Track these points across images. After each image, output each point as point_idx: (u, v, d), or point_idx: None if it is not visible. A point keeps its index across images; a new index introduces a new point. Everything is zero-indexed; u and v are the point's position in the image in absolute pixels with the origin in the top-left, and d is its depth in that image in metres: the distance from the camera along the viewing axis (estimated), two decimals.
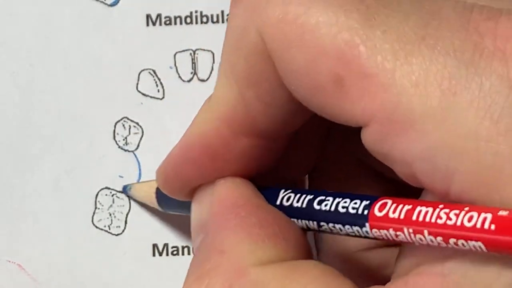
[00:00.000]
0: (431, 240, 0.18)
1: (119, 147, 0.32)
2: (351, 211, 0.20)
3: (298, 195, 0.22)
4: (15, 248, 0.31)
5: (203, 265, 0.21)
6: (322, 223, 0.22)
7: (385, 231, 0.19)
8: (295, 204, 0.22)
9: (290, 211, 0.22)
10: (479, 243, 0.17)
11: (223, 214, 0.22)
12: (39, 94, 0.32)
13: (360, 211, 0.20)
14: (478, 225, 0.17)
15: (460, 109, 0.18)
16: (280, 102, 0.22)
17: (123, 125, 0.32)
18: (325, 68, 0.19)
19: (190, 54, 0.32)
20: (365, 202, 0.20)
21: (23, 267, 0.31)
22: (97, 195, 0.32)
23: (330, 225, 0.21)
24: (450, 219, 0.18)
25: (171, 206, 0.28)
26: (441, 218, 0.18)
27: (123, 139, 0.32)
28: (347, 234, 0.21)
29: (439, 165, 0.18)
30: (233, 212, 0.22)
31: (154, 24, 0.32)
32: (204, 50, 0.32)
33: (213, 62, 0.32)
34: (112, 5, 0.32)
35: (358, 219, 0.20)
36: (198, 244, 0.23)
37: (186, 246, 0.32)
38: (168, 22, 0.32)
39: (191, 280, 0.22)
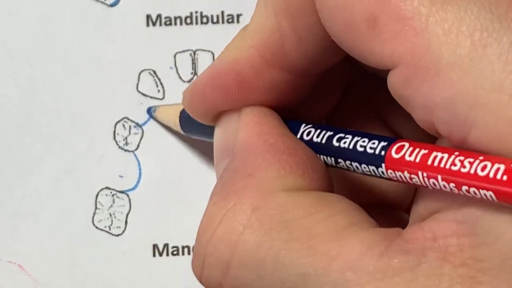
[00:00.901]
0: (444, 186, 0.19)
1: (119, 147, 0.32)
2: (369, 150, 0.21)
3: (319, 131, 0.23)
4: (15, 249, 0.31)
5: (230, 186, 0.22)
6: (339, 160, 0.22)
7: (400, 173, 0.20)
8: (314, 139, 0.23)
9: (309, 146, 0.23)
10: (490, 193, 0.18)
11: (251, 140, 0.22)
12: (39, 94, 0.32)
13: (377, 152, 0.21)
14: (491, 175, 0.18)
15: (488, 61, 0.18)
16: (314, 39, 0.22)
17: (123, 125, 0.32)
18: (362, 7, 0.20)
19: (190, 54, 0.32)
20: (383, 143, 0.21)
21: (24, 267, 0.31)
22: (97, 195, 0.32)
23: (347, 162, 0.22)
24: (464, 166, 0.18)
25: (194, 130, 0.28)
26: (455, 165, 0.18)
27: (123, 139, 0.32)
28: (363, 173, 0.21)
29: (459, 114, 0.18)
30: (261, 138, 0.22)
31: (154, 24, 0.32)
32: (204, 50, 0.32)
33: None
34: (112, 5, 0.32)
35: (374, 159, 0.21)
36: (224, 168, 0.23)
37: (186, 246, 0.32)
38: (168, 22, 0.32)
39: (216, 199, 0.22)
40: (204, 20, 0.32)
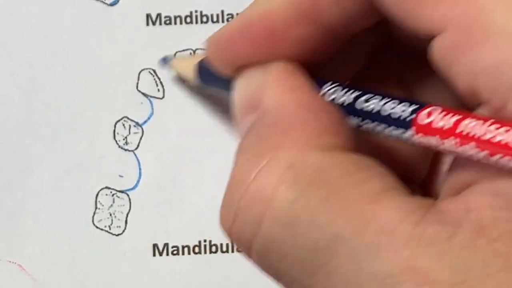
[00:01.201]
0: (477, 153, 0.18)
1: (119, 146, 0.32)
2: (398, 112, 0.20)
3: (345, 90, 0.22)
4: (15, 249, 0.31)
5: (264, 142, 0.21)
6: (366, 120, 0.21)
7: (429, 138, 0.19)
8: (341, 99, 0.22)
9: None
10: None
11: (283, 96, 0.22)
12: (39, 94, 0.32)
13: (407, 114, 0.20)
14: None
15: None
16: None
17: (123, 125, 0.32)
18: None
19: (190, 53, 0.32)
20: (414, 106, 0.20)
21: (24, 267, 0.31)
22: (97, 195, 0.32)
23: (374, 124, 0.21)
24: (500, 134, 0.18)
25: (211, 81, 0.27)
26: (490, 132, 0.18)
27: (123, 139, 0.32)
28: (387, 136, 0.21)
29: (503, 81, 0.18)
30: (294, 96, 0.22)
31: (154, 23, 0.32)
32: (204, 49, 0.32)
33: None
34: (112, 4, 0.32)
35: (403, 122, 0.20)
36: (253, 123, 0.22)
37: (186, 246, 0.31)
38: (168, 21, 0.32)
39: (248, 155, 0.21)
40: (204, 19, 0.32)
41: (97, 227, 0.31)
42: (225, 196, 0.22)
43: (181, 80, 0.32)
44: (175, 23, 0.32)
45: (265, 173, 0.20)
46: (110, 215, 0.32)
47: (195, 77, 0.29)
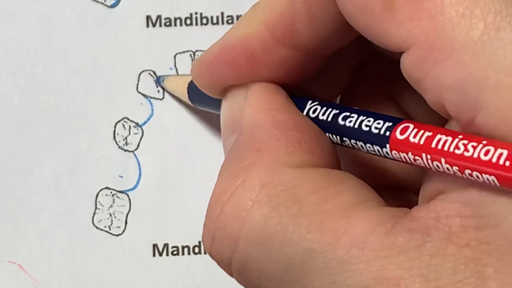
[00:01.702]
0: (448, 169, 0.19)
1: (119, 147, 0.32)
2: (374, 130, 0.21)
3: (324, 108, 0.23)
4: (15, 248, 0.31)
5: (239, 162, 0.22)
6: (345, 138, 0.22)
7: (404, 154, 0.20)
8: (320, 117, 0.23)
9: (315, 123, 0.23)
10: (493, 177, 0.18)
11: (259, 115, 0.22)
12: (39, 94, 0.32)
13: (382, 132, 0.21)
14: (494, 160, 0.18)
15: (500, 44, 0.18)
16: (327, 18, 0.22)
17: (123, 125, 0.32)
18: None
19: (190, 55, 0.32)
20: (387, 124, 0.21)
21: (24, 267, 0.31)
22: (97, 195, 0.32)
23: (352, 141, 0.22)
24: (468, 150, 0.18)
25: (202, 101, 0.28)
26: (459, 148, 0.19)
27: (123, 139, 0.32)
28: (368, 152, 0.21)
29: (469, 96, 0.19)
30: (269, 114, 0.22)
31: (154, 25, 0.32)
32: (204, 51, 0.32)
33: None
34: (112, 6, 0.32)
35: (379, 139, 0.21)
36: (232, 143, 0.23)
37: (186, 246, 0.32)
38: (168, 23, 0.32)
39: (225, 175, 0.22)
40: (204, 21, 0.33)
41: (97, 227, 0.31)
42: (205, 217, 0.22)
43: (175, 98, 0.32)
44: (175, 24, 0.32)
45: (239, 193, 0.21)
46: (110, 215, 0.32)
47: (187, 96, 0.30)
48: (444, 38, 0.19)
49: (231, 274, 0.22)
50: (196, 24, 0.33)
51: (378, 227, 0.19)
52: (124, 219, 0.32)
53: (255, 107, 0.23)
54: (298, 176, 0.21)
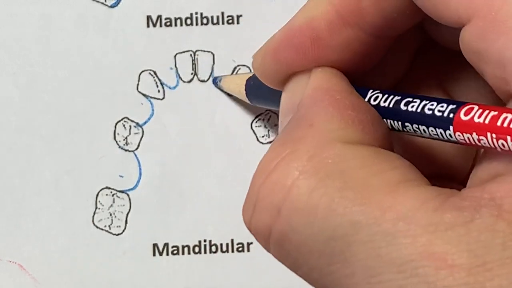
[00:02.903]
0: None
1: (119, 147, 0.32)
2: (437, 113, 0.21)
3: (386, 95, 0.23)
4: (15, 248, 0.31)
5: (290, 134, 0.21)
6: (406, 124, 0.22)
7: (468, 135, 0.20)
8: (382, 104, 0.23)
9: (376, 110, 0.23)
10: None
11: (317, 93, 0.22)
12: (39, 94, 0.32)
13: (445, 114, 0.21)
14: None
15: None
16: None
17: (124, 125, 0.32)
18: None
19: (191, 55, 0.32)
20: (451, 106, 0.21)
21: (24, 267, 0.31)
22: (97, 195, 0.32)
23: (415, 126, 0.22)
24: None
25: (260, 98, 0.28)
26: None
27: (124, 139, 0.32)
28: (430, 136, 0.21)
29: None
30: (328, 93, 0.22)
31: (154, 25, 0.32)
32: (204, 51, 0.32)
33: (213, 63, 0.32)
34: (112, 6, 0.32)
35: (443, 122, 0.21)
36: (288, 121, 0.23)
37: (186, 246, 0.32)
38: (168, 23, 0.32)
39: (274, 146, 0.22)
40: (204, 21, 0.33)
41: (97, 227, 0.31)
42: (249, 187, 0.22)
43: (232, 97, 0.32)
44: (176, 24, 0.32)
45: (286, 163, 0.21)
46: (110, 215, 0.32)
47: (245, 95, 0.30)
48: (507, 9, 0.19)
49: (267, 247, 0.21)
50: (197, 24, 0.33)
51: (426, 203, 0.19)
52: (124, 219, 0.32)
53: (315, 87, 0.23)
54: (347, 151, 0.21)
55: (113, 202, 0.32)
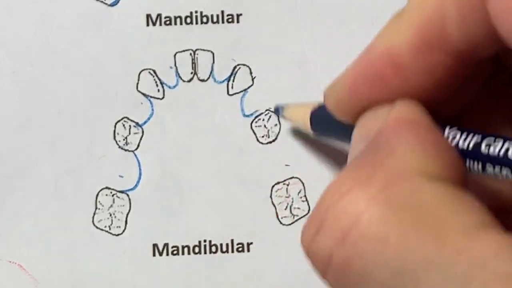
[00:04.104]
0: None
1: (119, 147, 0.32)
2: None
3: (465, 134, 0.22)
4: (15, 249, 0.31)
5: (367, 159, 0.21)
6: (487, 166, 0.21)
7: None
8: (460, 144, 0.22)
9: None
10: None
11: (400, 124, 0.21)
12: (39, 94, 0.32)
13: None
14: None
15: None
16: (477, 19, 0.21)
17: (124, 125, 0.32)
18: None
19: (190, 54, 0.32)
20: None
21: (24, 267, 0.31)
22: (97, 195, 0.32)
23: (497, 169, 0.21)
24: None
25: (326, 130, 0.27)
26: None
27: (123, 139, 0.32)
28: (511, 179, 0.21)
29: None
30: (411, 126, 0.21)
31: (154, 24, 0.32)
32: (204, 50, 0.32)
33: (213, 62, 0.32)
34: (112, 5, 0.32)
35: None
36: (365, 145, 0.22)
37: (186, 246, 0.32)
38: (168, 22, 0.32)
39: (350, 167, 0.21)
40: (204, 19, 0.32)
41: (97, 227, 0.32)
42: (315, 207, 0.21)
43: (296, 129, 0.32)
44: (175, 23, 0.32)
45: (360, 188, 0.20)
46: (110, 215, 0.32)
47: (310, 126, 0.29)
48: None
49: (324, 272, 0.21)
50: (197, 23, 0.32)
51: (503, 251, 0.18)
52: (124, 219, 0.32)
53: (397, 117, 0.22)
54: (425, 185, 0.20)
55: (113, 202, 0.32)
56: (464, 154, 0.22)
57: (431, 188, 0.20)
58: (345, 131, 0.24)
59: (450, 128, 0.23)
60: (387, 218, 0.19)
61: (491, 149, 0.21)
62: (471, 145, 0.22)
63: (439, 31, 0.21)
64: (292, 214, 0.32)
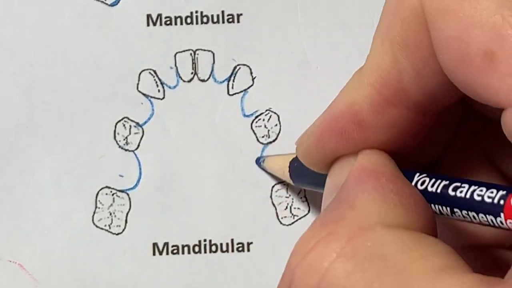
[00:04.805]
0: None
1: (119, 146, 0.32)
2: (487, 200, 0.20)
3: (433, 180, 0.22)
4: (16, 248, 0.31)
5: (331, 214, 0.21)
6: (455, 210, 0.22)
7: None
8: (429, 189, 0.22)
9: (424, 194, 0.22)
10: None
11: (361, 176, 0.22)
12: (39, 94, 0.32)
13: (496, 201, 0.20)
14: None
15: None
16: (433, 73, 0.21)
17: (124, 125, 0.32)
18: (478, 41, 0.19)
19: (191, 54, 0.32)
20: (501, 192, 0.20)
21: (24, 267, 0.31)
22: (97, 194, 0.32)
23: (464, 212, 0.21)
24: None
25: (304, 180, 0.28)
26: None
27: (124, 139, 0.32)
28: (480, 223, 0.21)
29: None
30: (372, 175, 0.22)
31: (154, 24, 0.32)
32: (204, 50, 0.32)
33: (213, 62, 0.32)
34: (112, 5, 0.32)
35: (493, 208, 0.20)
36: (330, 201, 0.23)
37: (186, 245, 0.32)
38: (168, 22, 0.32)
39: (315, 224, 0.21)
40: (205, 19, 0.32)
41: (97, 226, 0.32)
42: (285, 266, 0.21)
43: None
44: (176, 23, 0.32)
45: (324, 244, 0.20)
46: (110, 214, 0.32)
47: (289, 175, 0.29)
48: None
49: None
50: (197, 23, 0.32)
51: None
52: (124, 218, 0.32)
53: (359, 168, 0.22)
54: (387, 235, 0.20)
55: (113, 201, 0.32)
56: (433, 198, 0.22)
57: (393, 237, 0.20)
58: (321, 180, 0.25)
59: (420, 174, 0.23)
60: (352, 272, 0.20)
61: (458, 192, 0.21)
62: (439, 189, 0.22)
63: (396, 87, 0.22)
64: (292, 214, 0.32)
